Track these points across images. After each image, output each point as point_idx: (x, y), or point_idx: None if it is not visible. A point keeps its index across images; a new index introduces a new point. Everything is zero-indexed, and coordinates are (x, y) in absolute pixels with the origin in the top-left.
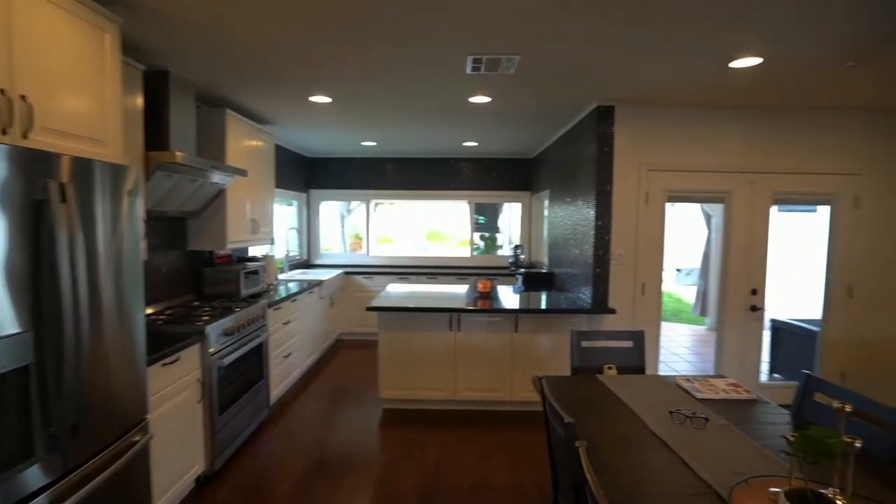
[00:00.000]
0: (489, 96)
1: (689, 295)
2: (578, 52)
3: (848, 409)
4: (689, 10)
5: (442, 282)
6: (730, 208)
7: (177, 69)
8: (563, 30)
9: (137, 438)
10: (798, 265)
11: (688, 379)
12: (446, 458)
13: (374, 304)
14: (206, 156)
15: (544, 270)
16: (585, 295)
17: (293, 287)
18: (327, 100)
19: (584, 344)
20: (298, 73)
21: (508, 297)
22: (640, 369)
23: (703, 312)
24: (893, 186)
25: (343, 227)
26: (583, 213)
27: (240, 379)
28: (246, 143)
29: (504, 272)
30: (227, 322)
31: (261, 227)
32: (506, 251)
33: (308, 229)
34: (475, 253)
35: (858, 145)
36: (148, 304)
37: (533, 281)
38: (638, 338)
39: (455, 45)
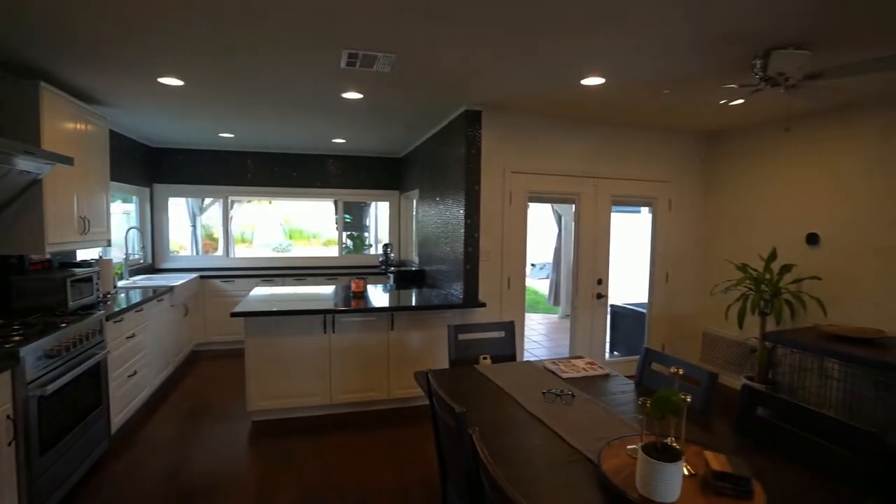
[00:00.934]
0: (362, 93)
1: (543, 287)
2: (452, 57)
3: (681, 372)
4: (544, 31)
5: (310, 283)
6: (579, 208)
7: None
8: (438, 33)
9: None
10: (628, 258)
11: (553, 362)
12: (327, 465)
13: (240, 308)
14: (12, 138)
15: (415, 268)
16: (457, 290)
17: (136, 295)
18: (179, 83)
19: (461, 337)
20: (144, 50)
21: (382, 295)
22: (512, 357)
23: (556, 302)
24: (690, 193)
25: (195, 226)
26: (453, 212)
27: (70, 409)
28: (70, 126)
29: (374, 271)
30: (49, 341)
31: (93, 227)
32: (374, 250)
33: (153, 229)
34: (344, 252)
35: (670, 158)
36: None
37: (404, 279)
38: (509, 328)
39: (331, 38)
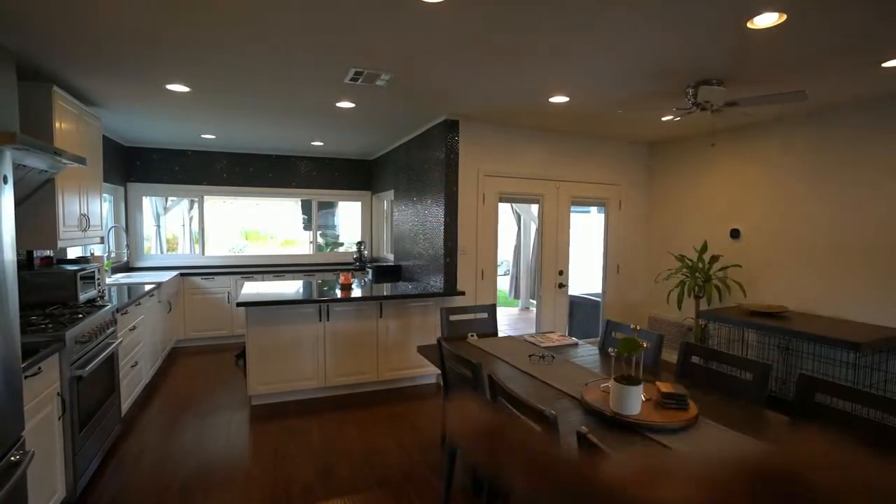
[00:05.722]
0: (355, 103)
1: (501, 284)
2: (439, 76)
3: (638, 327)
4: (520, 61)
5: (288, 279)
6: (542, 208)
7: None
8: (431, 55)
9: (17, 458)
10: (584, 253)
11: (531, 336)
12: (330, 436)
13: (241, 301)
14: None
15: (392, 264)
16: (435, 283)
17: (127, 291)
18: (185, 89)
19: (452, 318)
20: (157, 57)
21: (365, 287)
22: (494, 334)
23: (517, 296)
24: (637, 195)
25: (159, 226)
26: (432, 211)
27: (95, 392)
28: (74, 127)
29: (349, 267)
30: (81, 329)
31: (91, 224)
32: (344, 248)
33: (127, 228)
34: (316, 250)
35: (620, 164)
36: None
37: (383, 273)
38: (491, 310)
39: (342, 58)
